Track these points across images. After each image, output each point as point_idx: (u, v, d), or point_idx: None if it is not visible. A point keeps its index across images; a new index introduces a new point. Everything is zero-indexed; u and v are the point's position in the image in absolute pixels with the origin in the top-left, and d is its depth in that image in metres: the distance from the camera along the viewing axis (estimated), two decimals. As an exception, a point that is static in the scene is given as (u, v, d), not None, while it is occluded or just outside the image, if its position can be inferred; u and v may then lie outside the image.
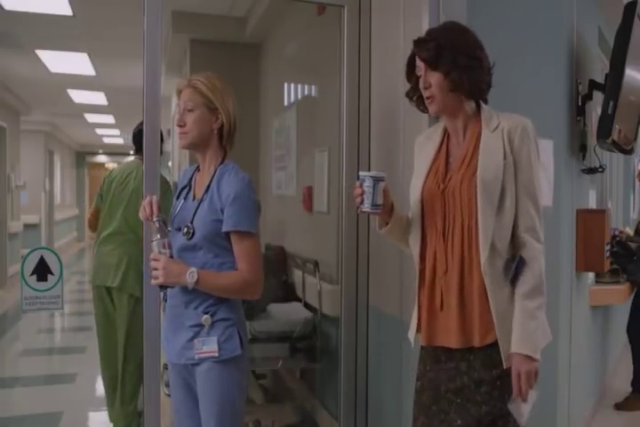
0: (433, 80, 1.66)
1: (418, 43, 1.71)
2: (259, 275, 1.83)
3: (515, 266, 1.60)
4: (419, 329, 1.74)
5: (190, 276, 1.74)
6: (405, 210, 1.81)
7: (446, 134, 1.77)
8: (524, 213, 1.63)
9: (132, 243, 3.16)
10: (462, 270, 1.63)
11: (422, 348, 1.76)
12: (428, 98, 1.69)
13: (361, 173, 1.66)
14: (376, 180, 1.63)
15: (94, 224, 3.37)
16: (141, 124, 2.97)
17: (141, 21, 2.24)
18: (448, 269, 1.66)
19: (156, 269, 1.75)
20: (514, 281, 1.61)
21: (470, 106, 1.71)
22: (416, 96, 1.78)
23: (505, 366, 1.59)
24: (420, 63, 1.69)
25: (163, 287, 1.80)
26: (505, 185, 1.61)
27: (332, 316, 3.03)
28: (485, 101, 1.75)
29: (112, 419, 3.32)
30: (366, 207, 1.65)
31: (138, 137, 3.21)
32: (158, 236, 1.78)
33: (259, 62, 4.91)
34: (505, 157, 1.62)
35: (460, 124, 1.72)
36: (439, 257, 1.68)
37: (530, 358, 1.57)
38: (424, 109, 1.79)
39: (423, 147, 1.81)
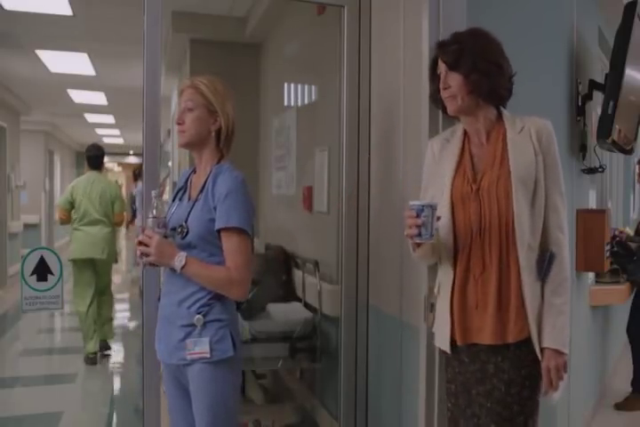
0: (453, 81, 1.71)
1: (441, 45, 1.78)
2: (245, 275, 1.80)
3: (547, 262, 1.65)
4: (453, 332, 1.72)
5: (179, 260, 1.76)
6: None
7: (466, 137, 1.79)
8: (555, 210, 1.68)
9: (107, 228, 4.83)
10: (500, 269, 1.66)
11: (446, 352, 1.76)
12: (446, 98, 1.74)
13: (415, 203, 1.61)
14: (434, 208, 1.60)
15: (68, 220, 4.83)
16: (92, 145, 5.10)
17: (141, 21, 2.23)
18: (485, 268, 1.67)
19: (146, 246, 1.76)
20: (544, 277, 1.66)
21: (491, 111, 1.75)
22: (438, 97, 1.81)
23: (540, 358, 1.63)
24: (441, 64, 1.75)
25: (151, 265, 1.82)
26: (537, 182, 1.66)
27: (332, 316, 3.03)
28: (505, 108, 1.78)
29: (89, 349, 4.69)
30: (426, 237, 1.60)
31: (88, 158, 4.98)
32: (154, 213, 1.79)
33: (259, 62, 4.91)
34: (536, 155, 1.67)
35: (481, 125, 1.75)
36: (475, 258, 1.69)
37: (559, 353, 1.62)
38: (444, 112, 1.84)
39: (444, 149, 1.82)
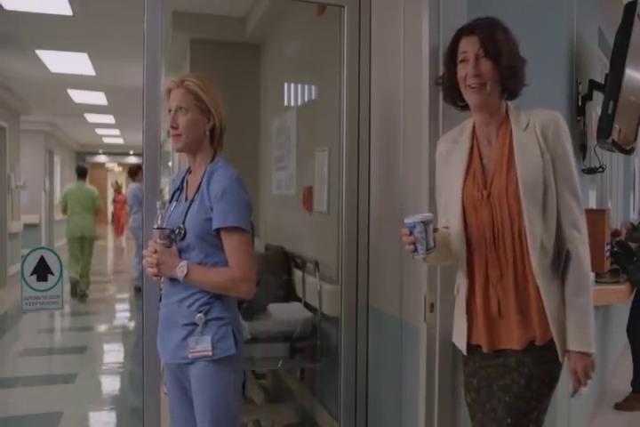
0: (485, 68, 1.62)
1: (479, 27, 1.66)
2: (248, 273, 1.81)
3: (563, 261, 1.62)
4: (470, 337, 1.70)
5: (180, 270, 1.78)
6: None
7: (474, 137, 1.73)
8: (567, 208, 1.64)
9: (90, 216, 7.48)
10: (516, 275, 1.63)
11: (468, 351, 1.74)
12: (474, 85, 1.63)
13: (408, 221, 1.59)
14: (426, 224, 1.58)
15: (65, 212, 7.48)
16: (78, 165, 9.50)
17: (141, 21, 2.24)
18: (503, 275, 1.65)
19: (150, 257, 1.81)
20: (563, 276, 1.62)
21: (504, 107, 1.70)
22: (449, 85, 1.73)
23: (561, 360, 1.62)
24: (471, 48, 1.64)
25: (155, 276, 1.87)
26: (546, 183, 1.61)
27: (332, 316, 3.03)
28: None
29: (73, 277, 7.34)
30: (422, 254, 1.60)
31: (76, 171, 7.95)
32: (158, 224, 1.82)
33: (259, 62, 4.90)
34: (542, 155, 1.61)
35: (494, 122, 1.69)
36: (492, 265, 1.66)
37: (585, 355, 1.60)
38: (450, 99, 1.76)
39: (452, 151, 1.76)
